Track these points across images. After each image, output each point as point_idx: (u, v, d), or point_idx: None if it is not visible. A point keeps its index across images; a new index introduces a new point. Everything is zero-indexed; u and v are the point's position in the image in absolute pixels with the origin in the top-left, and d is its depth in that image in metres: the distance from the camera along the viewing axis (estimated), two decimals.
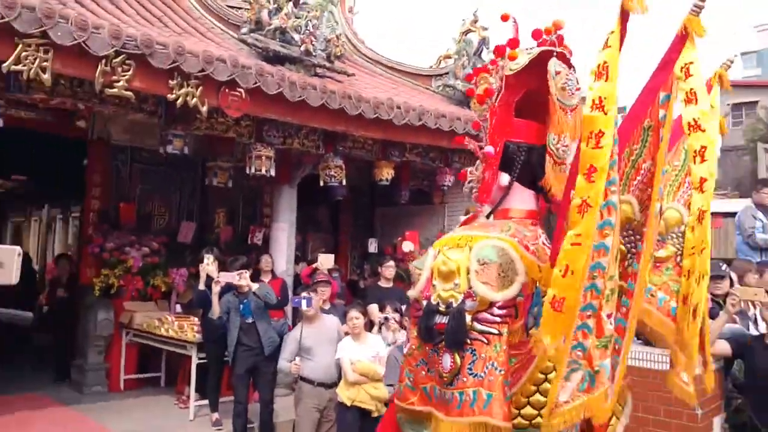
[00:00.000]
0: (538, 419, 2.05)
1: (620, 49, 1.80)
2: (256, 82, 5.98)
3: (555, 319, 1.73)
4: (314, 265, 7.10)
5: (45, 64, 4.85)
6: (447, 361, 2.02)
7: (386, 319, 5.66)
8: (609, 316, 1.87)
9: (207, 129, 6.61)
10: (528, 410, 2.09)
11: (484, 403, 1.95)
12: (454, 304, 2.02)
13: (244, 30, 7.16)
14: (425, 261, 2.22)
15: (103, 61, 5.12)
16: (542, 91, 2.21)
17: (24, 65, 4.75)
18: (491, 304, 2.00)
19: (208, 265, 6.17)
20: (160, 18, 7.01)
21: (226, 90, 5.93)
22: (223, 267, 6.27)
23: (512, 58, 2.28)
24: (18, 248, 1.76)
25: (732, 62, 2.49)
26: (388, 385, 4.74)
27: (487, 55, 8.83)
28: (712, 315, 4.00)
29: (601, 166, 1.72)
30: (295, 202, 7.88)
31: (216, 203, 8.96)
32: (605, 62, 1.76)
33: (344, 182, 7.44)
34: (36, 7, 4.63)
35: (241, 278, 5.96)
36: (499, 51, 2.39)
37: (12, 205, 16.63)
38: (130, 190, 8.29)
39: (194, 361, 6.80)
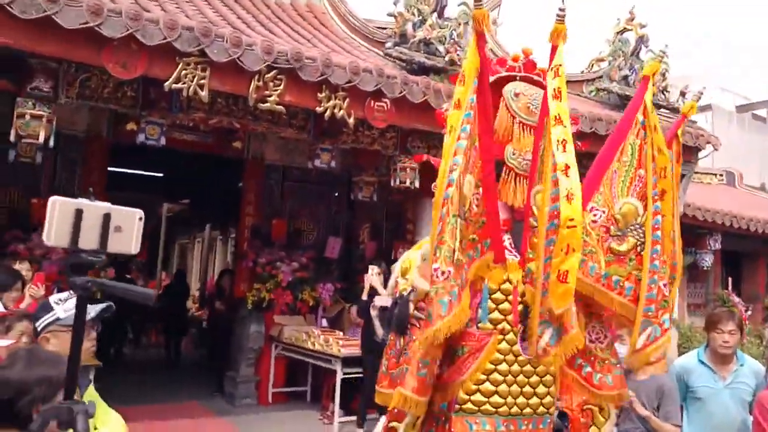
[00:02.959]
0: (487, 406, 2.33)
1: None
2: (401, 92, 5.91)
3: (562, 288, 2.15)
4: None
5: (203, 81, 5.09)
6: (397, 344, 2.39)
7: None
8: (436, 270, 2.16)
9: (353, 142, 6.64)
10: (478, 397, 2.33)
11: (403, 375, 2.29)
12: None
13: (388, 44, 7.16)
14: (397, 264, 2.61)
15: (256, 76, 5.30)
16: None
17: (184, 83, 5.01)
18: (427, 294, 2.24)
19: (372, 275, 6.16)
20: (309, 40, 7.19)
21: (372, 101, 5.92)
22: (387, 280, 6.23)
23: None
24: (140, 211, 1.58)
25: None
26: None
27: (646, 55, 8.17)
28: None
29: (573, 165, 2.18)
30: None
31: (361, 219, 9.01)
32: (559, 87, 2.25)
33: None
34: (194, 27, 4.88)
35: None
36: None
37: (178, 228, 18.04)
38: (282, 207, 8.55)
39: (339, 376, 6.76)
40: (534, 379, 2.39)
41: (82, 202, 1.51)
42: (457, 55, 6.98)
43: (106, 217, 1.53)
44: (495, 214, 2.45)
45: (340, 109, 5.70)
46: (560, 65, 2.29)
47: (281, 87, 5.42)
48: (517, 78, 2.58)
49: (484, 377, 2.33)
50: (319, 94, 5.62)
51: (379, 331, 6.08)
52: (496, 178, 2.51)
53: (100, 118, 7.03)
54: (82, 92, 5.35)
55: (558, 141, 2.22)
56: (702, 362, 3.92)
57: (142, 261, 16.37)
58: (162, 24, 4.75)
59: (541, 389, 2.40)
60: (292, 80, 5.45)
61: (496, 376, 2.34)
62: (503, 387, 2.34)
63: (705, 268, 10.52)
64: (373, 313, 6.13)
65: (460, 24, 7.26)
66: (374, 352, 6.28)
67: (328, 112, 5.67)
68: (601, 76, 8.30)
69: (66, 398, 1.50)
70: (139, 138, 5.68)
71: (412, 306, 2.34)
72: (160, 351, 11.81)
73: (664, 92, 8.09)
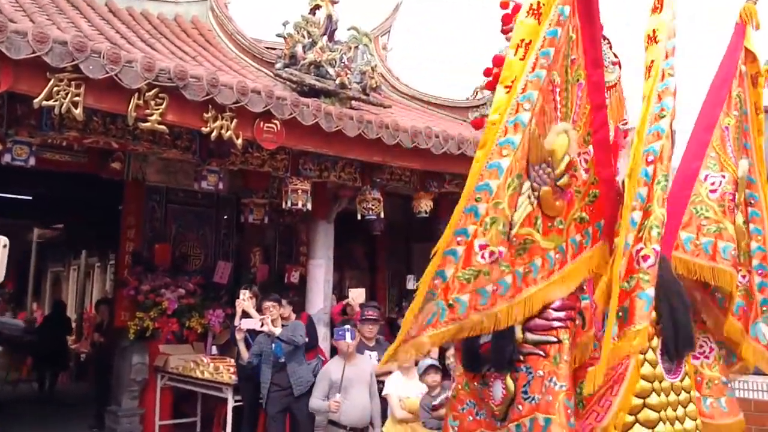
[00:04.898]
0: None
1: None
2: (291, 113, 5.82)
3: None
4: (345, 301, 6.83)
5: (77, 98, 4.75)
6: (498, 390, 1.65)
7: None
8: (482, 247, 1.57)
9: (242, 164, 6.48)
10: None
11: (542, 430, 1.53)
12: None
13: (278, 65, 7.09)
14: None
15: (136, 94, 5.02)
16: None
17: (56, 100, 4.65)
18: (545, 306, 1.63)
19: (244, 300, 6.01)
20: (194, 57, 6.99)
21: (261, 122, 5.79)
22: (260, 304, 6.08)
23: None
24: (4, 238, 1.47)
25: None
26: None
27: None
28: None
29: (646, 94, 1.75)
30: (332, 237, 7.65)
31: (251, 242, 8.78)
32: None
33: (382, 215, 7.21)
34: (68, 41, 4.57)
35: (264, 324, 5.79)
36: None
37: (51, 255, 16.79)
38: (165, 230, 8.16)
39: (230, 405, 6.51)
40: (681, 412, 1.69)
41: None
42: (348, 78, 7.04)
43: None
44: (611, 183, 1.78)
45: (228, 129, 5.53)
46: None
47: (163, 106, 5.17)
48: None
49: (632, 418, 1.63)
50: (204, 114, 5.41)
51: (244, 354, 5.97)
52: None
53: None
54: None
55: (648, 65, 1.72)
56: None
57: (9, 291, 15.10)
58: (30, 37, 4.39)
59: (689, 424, 1.70)
60: (176, 99, 5.22)
61: (648, 414, 1.63)
62: (661, 429, 1.63)
63: None
64: (238, 336, 6.01)
65: (350, 48, 7.32)
66: (248, 379, 6.17)
67: (214, 133, 5.48)
68: (484, 104, 8.65)
69: None
70: (4, 158, 5.21)
71: (518, 328, 1.66)
72: (33, 386, 10.89)
73: None
